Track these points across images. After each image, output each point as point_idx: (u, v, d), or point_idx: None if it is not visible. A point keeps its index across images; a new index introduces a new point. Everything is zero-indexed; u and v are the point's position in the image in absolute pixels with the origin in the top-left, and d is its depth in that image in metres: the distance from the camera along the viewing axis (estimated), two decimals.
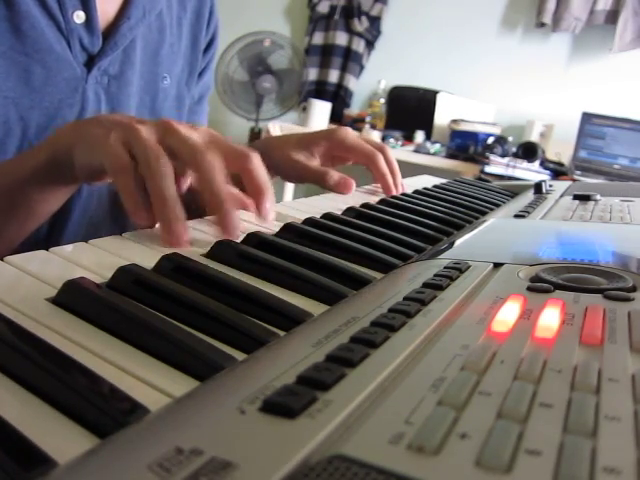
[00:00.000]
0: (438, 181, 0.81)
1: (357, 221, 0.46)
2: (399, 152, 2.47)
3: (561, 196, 0.71)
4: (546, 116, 2.69)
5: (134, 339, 0.23)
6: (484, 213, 0.60)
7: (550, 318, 0.24)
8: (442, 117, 2.73)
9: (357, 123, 2.87)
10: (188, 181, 0.44)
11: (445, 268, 0.32)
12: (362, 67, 3.14)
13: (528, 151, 2.33)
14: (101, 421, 0.18)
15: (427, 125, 2.76)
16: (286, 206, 0.53)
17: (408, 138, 2.72)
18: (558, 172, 2.38)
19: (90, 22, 0.55)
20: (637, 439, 0.15)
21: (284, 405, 0.16)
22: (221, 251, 0.35)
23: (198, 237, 0.39)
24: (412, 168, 1.74)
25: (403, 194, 0.63)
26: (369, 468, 0.14)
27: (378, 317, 0.24)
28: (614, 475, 0.13)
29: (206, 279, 0.29)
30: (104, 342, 0.23)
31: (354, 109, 3.08)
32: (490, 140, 2.38)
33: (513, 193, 0.79)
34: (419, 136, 2.70)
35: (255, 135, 2.86)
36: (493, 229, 0.47)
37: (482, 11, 2.88)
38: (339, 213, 0.49)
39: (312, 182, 0.65)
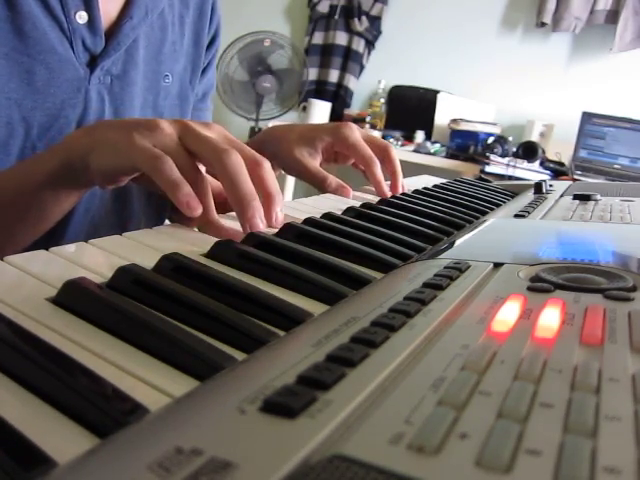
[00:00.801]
0: (438, 181, 0.81)
1: (357, 221, 0.46)
2: (399, 152, 2.45)
3: (561, 196, 0.71)
4: (546, 116, 2.69)
5: (134, 339, 0.23)
6: (484, 213, 0.60)
7: (550, 318, 0.24)
8: (442, 117, 2.73)
9: (357, 123, 2.86)
10: None
11: (445, 268, 0.32)
12: (362, 67, 3.14)
13: (528, 151, 2.33)
14: (101, 421, 0.18)
15: (427, 125, 2.76)
16: (286, 206, 0.53)
17: (408, 138, 2.72)
18: (558, 172, 2.38)
19: (93, 22, 0.55)
20: (637, 439, 0.15)
21: (284, 405, 0.16)
22: (221, 251, 0.35)
23: (198, 237, 0.39)
24: (412, 168, 1.74)
25: (403, 194, 0.63)
26: (369, 468, 0.14)
27: (378, 317, 0.24)
28: (614, 475, 0.13)
29: (206, 279, 0.29)
30: (104, 342, 0.23)
31: (354, 109, 3.08)
32: (490, 140, 2.38)
33: (513, 193, 0.79)
34: (419, 136, 2.70)
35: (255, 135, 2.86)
36: (493, 229, 0.47)
37: (482, 11, 2.88)
38: (339, 213, 0.49)
39: (311, 184, 0.65)
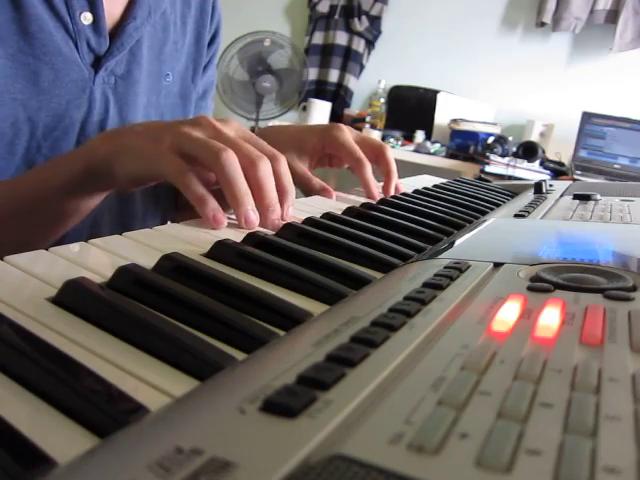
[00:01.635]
0: (438, 181, 0.81)
1: (357, 221, 0.46)
2: (399, 152, 2.47)
3: (561, 196, 0.71)
4: (546, 116, 2.69)
5: (134, 339, 0.23)
6: (484, 213, 0.60)
7: (550, 318, 0.24)
8: (442, 117, 2.73)
9: (357, 123, 2.88)
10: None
11: (445, 268, 0.32)
12: (362, 67, 3.14)
13: (528, 151, 2.33)
14: (101, 421, 0.18)
15: (427, 125, 2.76)
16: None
17: (408, 138, 2.72)
18: (558, 172, 2.38)
19: (97, 23, 0.55)
20: (637, 439, 0.15)
21: (284, 405, 0.16)
22: (221, 251, 0.35)
23: (198, 237, 0.39)
24: (412, 168, 1.74)
25: (403, 194, 0.63)
26: (369, 468, 0.14)
27: (378, 317, 0.24)
28: (614, 475, 0.13)
29: (206, 279, 0.29)
30: (104, 342, 0.23)
31: (354, 109, 3.08)
32: (490, 140, 2.38)
33: (513, 193, 0.79)
34: (419, 136, 2.70)
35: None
36: (493, 229, 0.47)
37: (482, 11, 2.88)
38: (339, 213, 0.49)
39: (297, 186, 0.64)
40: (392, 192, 0.64)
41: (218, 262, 0.34)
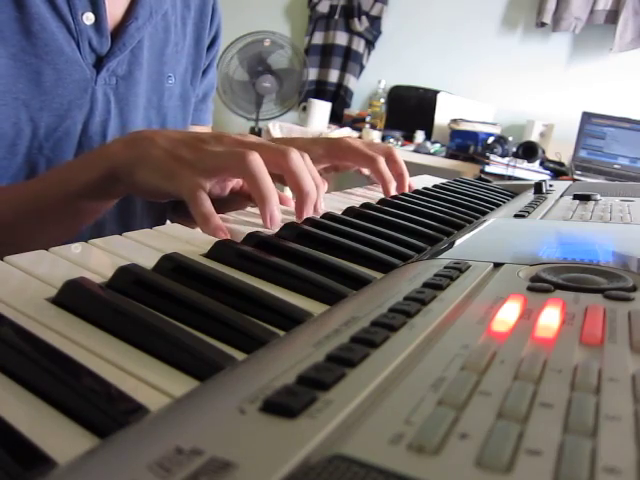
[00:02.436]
0: (438, 181, 0.81)
1: (357, 221, 0.46)
2: (399, 152, 2.46)
3: (561, 196, 0.71)
4: (546, 116, 2.69)
5: (134, 339, 0.23)
6: (484, 213, 0.60)
7: (550, 318, 0.24)
8: (442, 117, 2.73)
9: (357, 123, 2.88)
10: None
11: (445, 268, 0.32)
12: (362, 67, 3.14)
13: (528, 151, 2.33)
14: (101, 421, 0.18)
15: (427, 125, 2.76)
16: (287, 206, 0.53)
17: (408, 138, 2.72)
18: (558, 172, 2.38)
19: (99, 23, 0.55)
20: (637, 439, 0.15)
21: (284, 405, 0.16)
22: (221, 251, 0.35)
23: (198, 237, 0.39)
24: (412, 168, 1.74)
25: (403, 194, 0.63)
26: (369, 468, 0.14)
27: (378, 317, 0.24)
28: (614, 475, 0.13)
29: (206, 279, 0.29)
30: (104, 342, 0.23)
31: (354, 109, 3.08)
32: (490, 140, 2.38)
33: (513, 193, 0.79)
34: (419, 136, 2.70)
35: (255, 135, 2.86)
36: (493, 229, 0.47)
37: (482, 11, 2.88)
38: (339, 213, 0.49)
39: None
40: (407, 191, 0.64)
41: (218, 262, 0.34)
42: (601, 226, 0.50)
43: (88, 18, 0.55)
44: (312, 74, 3.12)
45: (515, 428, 0.15)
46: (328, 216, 0.47)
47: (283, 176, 0.44)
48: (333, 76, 3.13)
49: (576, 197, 0.67)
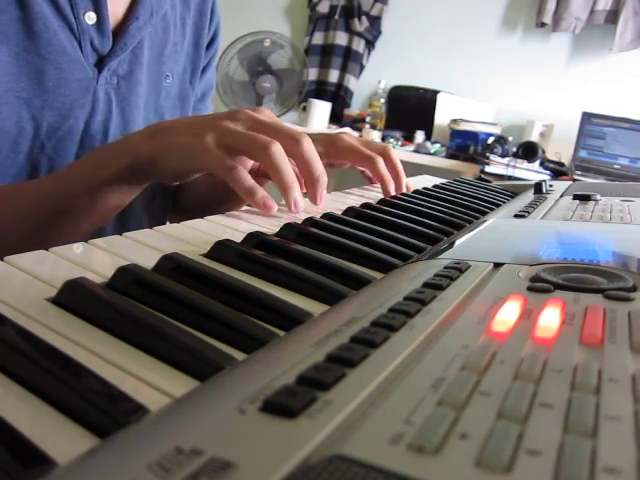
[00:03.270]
0: (438, 181, 0.81)
1: (357, 221, 0.46)
2: (399, 152, 2.47)
3: (561, 196, 0.71)
4: (546, 116, 2.69)
5: (134, 339, 0.23)
6: (484, 213, 0.60)
7: (550, 318, 0.24)
8: (442, 117, 2.73)
9: (357, 123, 2.87)
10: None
11: (445, 268, 0.32)
12: (362, 67, 3.14)
13: (528, 151, 2.33)
14: (101, 421, 0.18)
15: (427, 125, 2.76)
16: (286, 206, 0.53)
17: (408, 138, 2.72)
18: (558, 172, 2.38)
19: (101, 23, 0.56)
20: (637, 439, 0.15)
21: (284, 405, 0.16)
22: (221, 251, 0.35)
23: (198, 237, 0.39)
24: (412, 168, 1.74)
25: (403, 194, 0.63)
26: (369, 468, 0.14)
27: (378, 317, 0.24)
28: (614, 475, 0.13)
29: (206, 279, 0.29)
30: (104, 342, 0.23)
31: (354, 109, 3.08)
32: (490, 140, 2.38)
33: (513, 193, 0.79)
34: (419, 136, 2.70)
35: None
36: (493, 229, 0.47)
37: (482, 11, 2.88)
38: (339, 213, 0.49)
39: None
40: (404, 191, 0.64)
41: (218, 262, 0.34)
42: (601, 226, 0.50)
43: (90, 18, 0.55)
44: (312, 74, 3.11)
45: (515, 428, 0.15)
46: (328, 216, 0.47)
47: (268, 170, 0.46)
48: (333, 76, 3.13)
49: (576, 197, 0.67)
